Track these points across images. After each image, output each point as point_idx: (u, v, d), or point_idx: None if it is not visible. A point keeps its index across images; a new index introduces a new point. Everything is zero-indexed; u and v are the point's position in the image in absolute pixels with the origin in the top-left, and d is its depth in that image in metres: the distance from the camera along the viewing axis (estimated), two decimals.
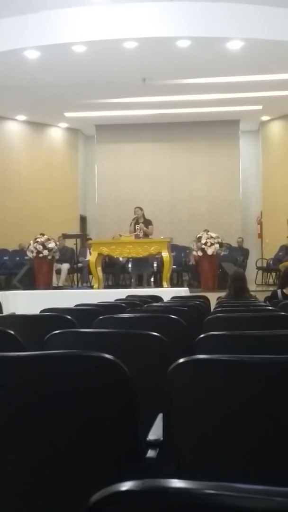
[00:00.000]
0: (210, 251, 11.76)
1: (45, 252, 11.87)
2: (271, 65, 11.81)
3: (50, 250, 11.93)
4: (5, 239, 15.09)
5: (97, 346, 1.98)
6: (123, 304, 4.79)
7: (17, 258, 14.53)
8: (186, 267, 14.55)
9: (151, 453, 1.68)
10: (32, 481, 1.62)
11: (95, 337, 2.57)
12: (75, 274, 13.76)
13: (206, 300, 6.31)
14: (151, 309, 4.56)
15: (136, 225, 11.90)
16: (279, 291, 6.19)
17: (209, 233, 12.05)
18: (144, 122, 15.96)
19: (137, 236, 11.67)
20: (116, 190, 16.51)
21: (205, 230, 12.29)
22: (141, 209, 12.12)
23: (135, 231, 11.82)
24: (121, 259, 13.26)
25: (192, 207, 16.37)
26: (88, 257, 12.64)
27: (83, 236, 14.94)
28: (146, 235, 11.80)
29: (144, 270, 12.09)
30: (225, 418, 1.56)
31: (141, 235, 11.77)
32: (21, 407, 1.63)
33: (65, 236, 13.50)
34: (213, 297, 7.17)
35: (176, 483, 0.64)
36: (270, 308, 4.46)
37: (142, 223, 11.90)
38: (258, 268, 15.00)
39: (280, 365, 1.56)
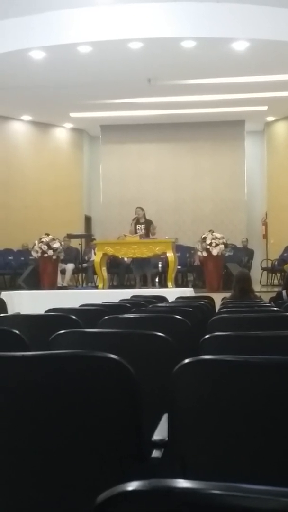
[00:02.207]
0: (215, 251, 11.75)
1: (50, 252, 11.88)
2: (276, 66, 11.79)
3: (55, 250, 11.94)
4: (10, 239, 15.12)
5: (102, 346, 1.99)
6: (128, 304, 4.79)
7: (22, 258, 14.55)
8: (191, 268, 14.54)
9: (156, 453, 1.69)
10: (37, 481, 1.62)
11: (100, 337, 2.57)
12: (80, 274, 13.77)
13: (211, 300, 6.31)
14: (156, 310, 4.56)
15: (137, 225, 11.93)
16: (284, 292, 6.19)
17: (214, 233, 12.04)
18: (149, 123, 15.96)
19: (141, 237, 11.68)
20: (121, 190, 16.51)
21: (210, 231, 12.29)
22: (142, 209, 12.15)
23: (135, 231, 11.84)
24: (125, 259, 13.26)
25: (197, 208, 16.37)
26: (93, 257, 12.65)
27: (88, 236, 14.95)
28: (148, 234, 11.82)
29: (146, 270, 12.10)
30: (230, 418, 1.56)
31: (143, 234, 11.79)
32: (26, 407, 1.64)
33: (70, 236, 13.51)
34: (218, 298, 7.17)
35: (182, 483, 0.64)
36: (275, 308, 4.46)
37: (143, 223, 11.92)
38: (263, 269, 14.98)
39: (284, 366, 1.56)
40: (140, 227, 11.87)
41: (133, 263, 12.37)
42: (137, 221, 12.01)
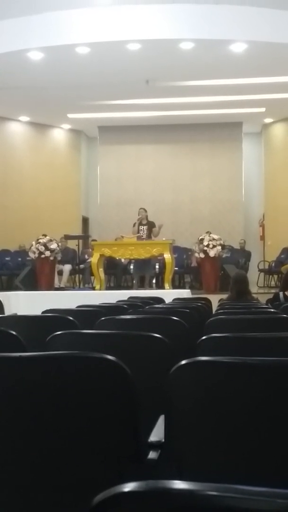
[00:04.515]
0: (212, 253, 11.75)
1: (47, 253, 11.88)
2: (274, 68, 11.81)
3: (52, 251, 11.94)
4: (7, 239, 15.11)
5: (99, 347, 1.98)
6: (125, 306, 4.79)
7: (19, 259, 14.55)
8: (188, 269, 14.55)
9: (152, 455, 1.68)
10: (33, 482, 1.62)
11: (97, 338, 2.57)
12: (77, 275, 13.76)
13: (208, 302, 6.30)
14: (153, 311, 4.56)
15: (140, 226, 11.93)
16: (281, 294, 6.20)
17: (211, 235, 12.05)
18: (147, 124, 15.97)
19: (139, 238, 11.68)
20: (119, 192, 16.51)
21: (207, 232, 12.29)
22: (145, 210, 12.17)
23: (138, 232, 11.85)
24: (123, 260, 13.27)
25: (194, 209, 16.38)
26: (90, 259, 12.65)
27: (85, 237, 14.95)
28: (150, 236, 11.83)
29: (146, 272, 12.10)
30: (227, 420, 1.56)
31: (144, 236, 11.80)
32: (23, 408, 1.64)
33: (67, 237, 13.52)
34: (215, 299, 7.17)
35: (179, 484, 0.64)
36: (272, 310, 4.46)
37: (145, 225, 11.93)
38: (260, 271, 15.00)
39: (281, 367, 1.56)
40: (143, 228, 11.89)
41: (134, 264, 12.37)
42: (140, 222, 12.02)
